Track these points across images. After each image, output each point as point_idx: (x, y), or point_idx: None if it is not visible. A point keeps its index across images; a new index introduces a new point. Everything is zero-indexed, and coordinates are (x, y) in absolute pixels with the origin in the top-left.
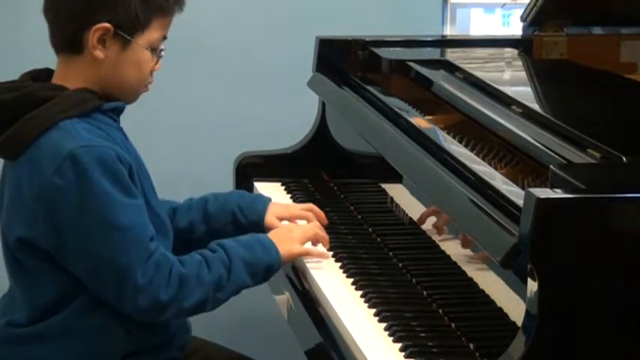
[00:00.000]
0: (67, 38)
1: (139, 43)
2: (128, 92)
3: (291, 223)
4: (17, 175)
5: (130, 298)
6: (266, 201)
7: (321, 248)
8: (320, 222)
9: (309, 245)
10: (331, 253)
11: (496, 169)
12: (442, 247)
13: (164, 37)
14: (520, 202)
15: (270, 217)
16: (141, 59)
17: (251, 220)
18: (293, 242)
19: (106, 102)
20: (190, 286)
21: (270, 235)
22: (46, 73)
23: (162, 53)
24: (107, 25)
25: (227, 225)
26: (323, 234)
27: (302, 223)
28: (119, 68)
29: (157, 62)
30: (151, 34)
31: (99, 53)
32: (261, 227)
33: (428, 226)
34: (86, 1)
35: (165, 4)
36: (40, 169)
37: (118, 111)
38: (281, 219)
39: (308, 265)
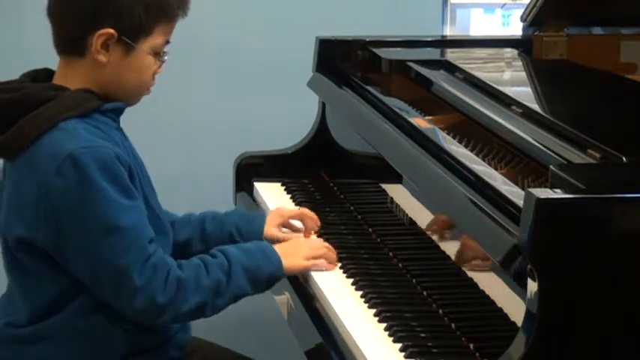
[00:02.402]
0: (71, 41)
1: (142, 49)
2: (129, 95)
3: (296, 234)
4: (17, 176)
5: (127, 300)
6: (262, 218)
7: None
8: (313, 223)
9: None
10: None
11: (496, 169)
12: (442, 248)
13: (167, 42)
14: (520, 202)
15: (268, 229)
16: (143, 64)
17: (249, 241)
18: (299, 257)
19: (107, 102)
20: (188, 290)
21: (277, 247)
22: (46, 74)
23: (166, 57)
24: (111, 30)
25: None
26: (332, 255)
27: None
28: (121, 72)
29: (160, 66)
30: (155, 40)
31: (102, 57)
32: None
33: (428, 226)
34: (91, 7)
35: (169, 10)
36: (41, 169)
37: (118, 111)
38: (279, 225)
39: None
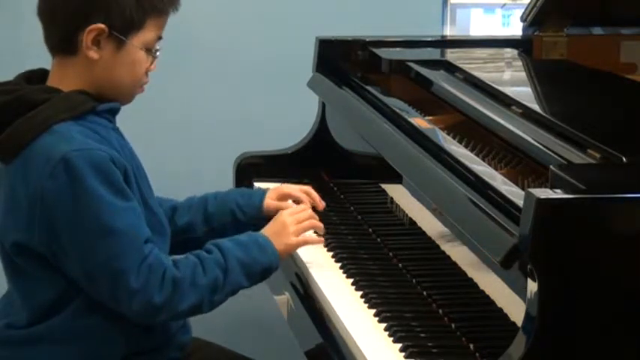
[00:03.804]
0: (62, 39)
1: (134, 44)
2: (123, 93)
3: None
4: (12, 179)
5: (125, 302)
6: (262, 193)
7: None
8: (316, 206)
9: (304, 235)
10: (331, 253)
11: (496, 169)
12: (442, 248)
13: (159, 38)
14: (520, 202)
15: (267, 202)
16: (135, 60)
17: (250, 216)
18: (289, 236)
19: (101, 103)
20: (184, 289)
21: (266, 230)
22: (41, 74)
23: (158, 53)
24: (101, 25)
25: (227, 224)
26: (318, 223)
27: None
28: (114, 69)
29: (152, 62)
30: (146, 35)
31: (93, 54)
32: (260, 219)
33: (428, 226)
34: (80, 2)
35: (159, 4)
36: (34, 173)
37: (113, 112)
38: (277, 199)
39: (308, 265)
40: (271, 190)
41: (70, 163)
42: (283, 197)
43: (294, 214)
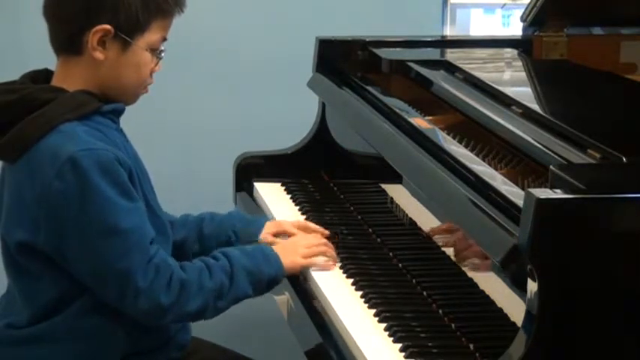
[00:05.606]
0: (67, 39)
1: (139, 45)
2: (128, 93)
3: (296, 235)
4: (17, 179)
5: (131, 301)
6: (261, 223)
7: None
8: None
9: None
10: None
11: (496, 169)
12: (442, 248)
13: (164, 39)
14: (520, 202)
15: (264, 235)
16: (141, 61)
17: (246, 243)
18: (297, 255)
19: (106, 104)
20: (191, 292)
21: (276, 247)
22: (45, 74)
23: (163, 55)
24: (107, 26)
25: (220, 247)
26: (331, 252)
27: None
28: (119, 70)
29: (157, 64)
30: (151, 36)
31: (99, 55)
32: None
33: (428, 227)
34: (86, 3)
35: (165, 6)
36: (41, 172)
37: (118, 112)
38: (275, 235)
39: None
40: (270, 223)
41: (76, 163)
42: (280, 231)
43: (307, 239)
